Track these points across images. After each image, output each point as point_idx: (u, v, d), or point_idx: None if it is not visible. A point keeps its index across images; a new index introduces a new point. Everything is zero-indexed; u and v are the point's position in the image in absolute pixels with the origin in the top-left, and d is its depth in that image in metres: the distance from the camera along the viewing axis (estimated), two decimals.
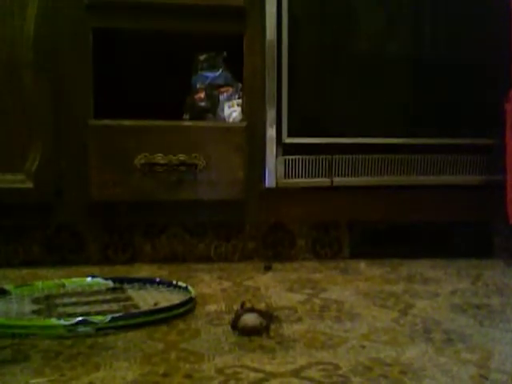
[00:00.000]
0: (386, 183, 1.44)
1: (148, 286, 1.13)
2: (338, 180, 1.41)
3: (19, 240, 1.38)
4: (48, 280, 1.15)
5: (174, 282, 1.13)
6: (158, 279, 1.16)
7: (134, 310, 0.97)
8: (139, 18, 1.36)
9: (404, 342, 0.86)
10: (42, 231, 1.39)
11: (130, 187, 1.33)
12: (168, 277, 1.25)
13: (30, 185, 1.30)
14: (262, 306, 1.04)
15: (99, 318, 0.89)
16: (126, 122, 1.34)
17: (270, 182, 1.39)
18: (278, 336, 0.89)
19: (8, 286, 1.09)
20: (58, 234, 1.39)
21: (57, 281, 1.14)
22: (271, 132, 1.37)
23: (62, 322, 0.87)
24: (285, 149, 1.39)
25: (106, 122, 1.34)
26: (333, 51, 1.42)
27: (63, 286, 1.13)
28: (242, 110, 1.42)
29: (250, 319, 0.89)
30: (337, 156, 1.41)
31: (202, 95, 1.44)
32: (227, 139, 1.37)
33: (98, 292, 1.10)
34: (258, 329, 0.88)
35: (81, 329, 0.87)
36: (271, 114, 1.37)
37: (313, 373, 0.74)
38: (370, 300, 1.10)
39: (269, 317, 0.92)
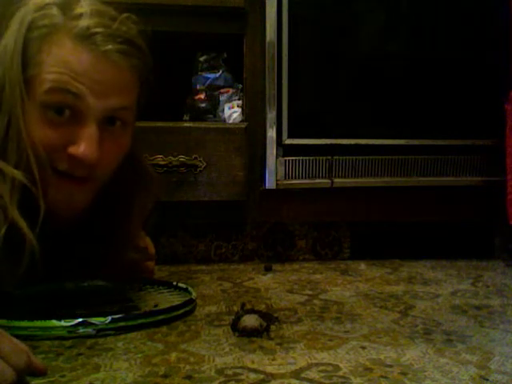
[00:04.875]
0: (386, 184, 1.44)
1: (148, 287, 1.13)
2: (339, 181, 1.41)
3: None
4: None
5: (175, 284, 1.13)
6: (158, 280, 1.16)
7: (134, 312, 0.97)
8: (139, 19, 1.36)
9: (404, 343, 0.86)
10: None
11: None
12: (168, 278, 1.25)
13: None
14: (262, 307, 1.04)
15: (99, 319, 0.89)
16: None
17: (270, 182, 1.39)
18: (278, 337, 0.88)
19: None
20: None
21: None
22: (271, 133, 1.37)
23: (63, 323, 0.87)
24: (285, 150, 1.39)
25: None
26: (333, 52, 1.42)
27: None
28: (243, 111, 1.42)
29: (250, 320, 0.89)
30: (337, 157, 1.41)
31: (202, 96, 1.45)
32: (227, 140, 1.37)
33: (98, 293, 1.09)
34: (258, 330, 0.88)
35: (81, 330, 0.87)
36: (271, 115, 1.37)
37: (313, 374, 0.74)
38: (371, 301, 1.10)
39: (269, 318, 0.92)
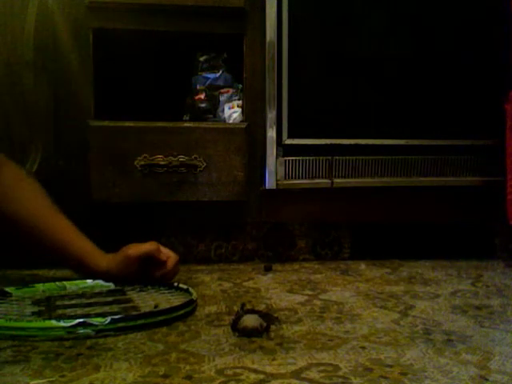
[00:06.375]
0: (386, 184, 1.44)
1: (149, 287, 1.13)
2: (339, 181, 1.41)
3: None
4: (49, 282, 1.14)
5: (176, 284, 1.13)
6: (159, 281, 1.15)
7: (133, 312, 0.97)
8: (139, 19, 1.36)
9: (404, 343, 0.86)
10: None
11: (130, 188, 1.34)
12: None
13: None
14: (262, 307, 1.04)
15: (99, 319, 0.89)
16: (127, 123, 1.34)
17: (270, 183, 1.39)
18: (278, 337, 0.89)
19: (9, 288, 1.09)
20: None
21: (58, 283, 1.14)
22: (271, 133, 1.37)
23: (62, 323, 0.87)
24: (285, 150, 1.39)
25: (107, 122, 1.34)
26: (333, 52, 1.42)
27: (64, 287, 1.13)
28: (243, 111, 1.42)
29: (250, 320, 0.89)
30: (337, 157, 1.41)
31: (202, 96, 1.44)
32: (227, 140, 1.37)
33: (98, 294, 1.09)
34: (258, 330, 0.88)
35: (80, 330, 0.87)
36: (271, 115, 1.37)
37: (313, 374, 0.74)
38: (371, 301, 1.10)
39: (269, 318, 0.92)
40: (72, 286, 1.14)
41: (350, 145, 1.42)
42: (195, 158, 1.36)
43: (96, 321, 0.88)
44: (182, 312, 0.98)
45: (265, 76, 1.38)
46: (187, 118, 1.47)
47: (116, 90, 1.43)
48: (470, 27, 1.45)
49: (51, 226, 1.13)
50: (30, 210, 1.13)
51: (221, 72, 1.47)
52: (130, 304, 1.02)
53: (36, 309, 0.99)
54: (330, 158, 1.41)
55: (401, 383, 0.72)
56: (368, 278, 1.31)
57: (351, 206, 1.46)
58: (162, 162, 1.35)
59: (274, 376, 0.73)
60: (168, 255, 1.15)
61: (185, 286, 1.11)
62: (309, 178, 1.41)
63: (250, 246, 1.48)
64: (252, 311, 0.93)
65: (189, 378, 0.73)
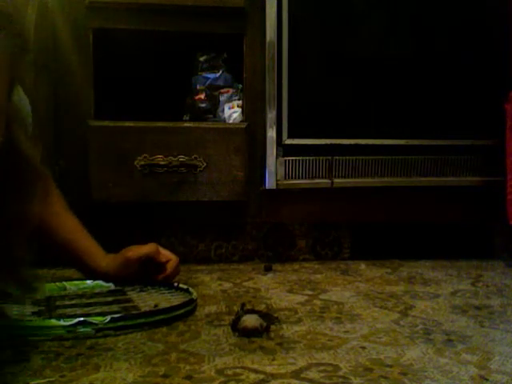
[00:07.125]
0: (386, 184, 1.44)
1: (149, 288, 1.13)
2: (339, 181, 1.41)
3: None
4: (49, 282, 1.14)
5: (176, 284, 1.13)
6: (159, 281, 1.15)
7: (133, 312, 0.97)
8: (139, 19, 1.36)
9: (404, 343, 0.86)
10: None
11: (130, 188, 1.34)
12: None
13: None
14: (262, 307, 1.04)
15: (99, 318, 0.89)
16: (127, 123, 1.34)
17: (270, 183, 1.39)
18: (278, 337, 0.89)
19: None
20: None
21: (58, 283, 1.14)
22: (271, 133, 1.37)
23: (62, 322, 0.87)
24: (285, 150, 1.39)
25: (107, 122, 1.34)
26: (333, 52, 1.42)
27: (64, 288, 1.13)
28: (243, 111, 1.42)
29: (250, 320, 0.89)
30: (337, 157, 1.41)
31: (202, 96, 1.45)
32: (227, 140, 1.37)
33: (98, 294, 1.09)
34: (258, 330, 0.88)
35: (80, 329, 0.87)
36: (271, 115, 1.37)
37: (313, 374, 0.74)
38: (371, 301, 1.10)
39: (269, 318, 0.92)
40: (72, 286, 1.13)
41: (350, 145, 1.42)
42: (195, 157, 1.36)
43: (96, 320, 0.88)
44: (181, 311, 0.98)
45: (265, 76, 1.38)
46: (187, 117, 1.47)
47: (116, 90, 1.43)
48: (470, 27, 1.45)
49: (61, 224, 1.13)
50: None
51: (221, 72, 1.47)
52: (130, 304, 1.02)
53: (36, 309, 0.99)
54: (329, 158, 1.41)
55: (401, 383, 0.72)
56: (368, 278, 1.31)
57: (351, 205, 1.46)
58: (162, 162, 1.35)
59: (273, 376, 0.73)
60: (168, 257, 1.14)
61: (185, 286, 1.11)
62: (309, 178, 1.41)
63: (250, 246, 1.48)
64: (252, 311, 0.93)
65: (189, 378, 0.73)
